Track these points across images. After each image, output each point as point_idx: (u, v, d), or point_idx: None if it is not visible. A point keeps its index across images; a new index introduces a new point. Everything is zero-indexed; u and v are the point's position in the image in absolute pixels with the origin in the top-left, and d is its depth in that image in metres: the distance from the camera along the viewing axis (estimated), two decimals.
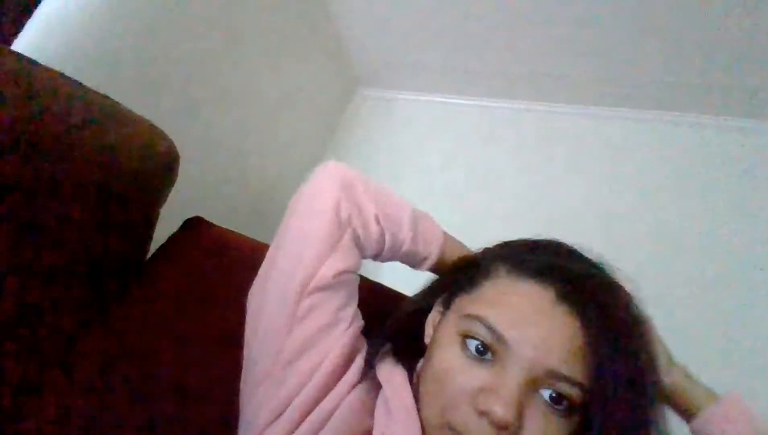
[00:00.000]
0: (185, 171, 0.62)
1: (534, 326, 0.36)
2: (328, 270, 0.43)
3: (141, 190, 0.57)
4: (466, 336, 0.39)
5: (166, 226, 0.64)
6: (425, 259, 0.53)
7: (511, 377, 0.35)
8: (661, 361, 0.45)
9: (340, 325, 0.44)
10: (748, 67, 1.01)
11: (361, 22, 1.32)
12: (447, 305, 0.46)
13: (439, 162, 1.40)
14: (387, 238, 0.49)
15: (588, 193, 1.21)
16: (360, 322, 0.48)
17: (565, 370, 0.35)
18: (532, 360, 0.35)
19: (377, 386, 0.45)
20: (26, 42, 0.68)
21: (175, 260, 0.61)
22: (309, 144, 1.47)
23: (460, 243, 0.56)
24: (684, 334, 0.96)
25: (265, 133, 1.25)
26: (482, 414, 0.35)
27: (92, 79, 0.54)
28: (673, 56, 1.05)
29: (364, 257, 0.50)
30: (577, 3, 1.02)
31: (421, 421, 0.40)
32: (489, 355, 0.37)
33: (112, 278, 0.57)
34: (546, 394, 0.35)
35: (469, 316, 0.39)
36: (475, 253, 0.51)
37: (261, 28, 1.14)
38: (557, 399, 0.35)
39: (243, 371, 0.45)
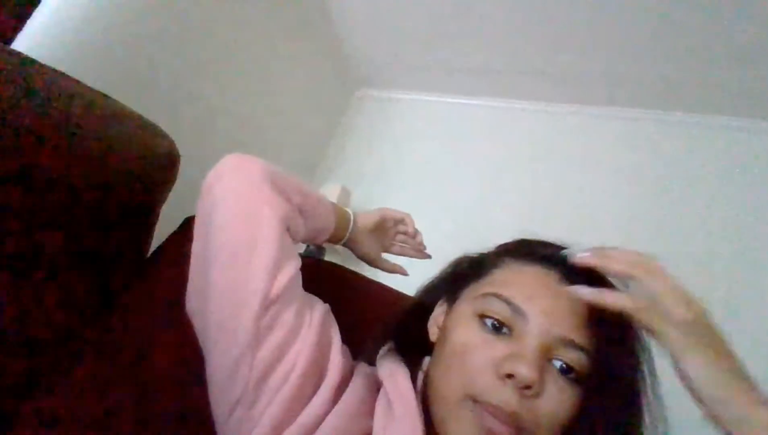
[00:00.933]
0: (185, 170, 0.62)
1: (545, 299, 0.40)
2: (283, 278, 0.42)
3: (141, 189, 0.57)
4: (482, 315, 0.41)
5: (166, 225, 0.64)
6: (327, 230, 0.56)
7: (530, 343, 0.38)
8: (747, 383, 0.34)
9: (304, 326, 0.43)
10: (749, 67, 1.01)
11: (361, 22, 1.32)
12: (453, 300, 0.47)
13: (439, 161, 1.40)
14: (309, 224, 0.51)
15: (590, 193, 1.21)
16: (322, 307, 0.47)
17: (574, 337, 0.39)
18: (547, 328, 0.39)
19: (376, 385, 0.45)
20: (26, 41, 0.68)
21: (175, 259, 0.61)
22: (309, 144, 1.48)
23: (337, 205, 0.59)
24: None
25: (265, 132, 1.25)
26: (507, 377, 0.37)
27: (92, 78, 0.54)
28: (676, 56, 1.06)
29: None
30: (579, 2, 1.02)
31: (430, 415, 0.40)
32: (505, 330, 0.40)
33: (112, 276, 0.57)
34: (557, 364, 0.38)
35: (486, 295, 0.42)
36: (477, 253, 0.53)
37: (261, 29, 1.14)
38: (567, 369, 0.38)
39: (210, 396, 0.42)
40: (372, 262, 0.67)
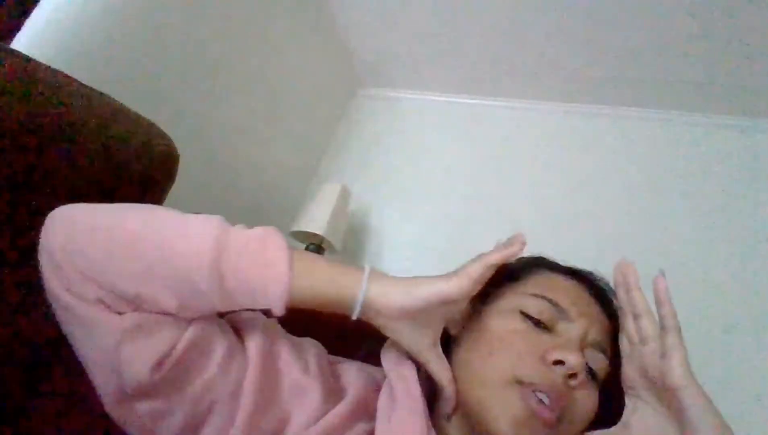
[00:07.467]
0: (185, 170, 0.62)
1: (584, 306, 0.46)
2: (133, 377, 0.33)
3: (140, 189, 0.57)
4: (525, 312, 0.44)
5: None
6: (263, 304, 0.37)
7: (574, 338, 0.43)
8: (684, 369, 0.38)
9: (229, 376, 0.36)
10: (749, 67, 1.01)
11: (362, 21, 1.32)
12: (482, 300, 0.47)
13: (441, 161, 1.40)
14: (194, 305, 0.36)
15: (589, 191, 1.21)
16: (252, 355, 0.38)
17: (604, 343, 0.44)
18: (587, 329, 0.43)
19: (376, 385, 0.44)
20: (26, 41, 0.68)
21: None
22: (310, 144, 1.47)
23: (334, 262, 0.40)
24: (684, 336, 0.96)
25: (266, 132, 1.25)
26: (555, 364, 0.39)
27: (92, 78, 0.54)
28: (677, 56, 1.05)
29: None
30: (580, 3, 1.02)
31: (462, 399, 0.41)
32: (543, 327, 0.43)
33: None
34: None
35: (533, 295, 0.45)
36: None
37: (262, 28, 1.14)
38: (593, 373, 0.43)
39: None
40: (416, 356, 0.43)
